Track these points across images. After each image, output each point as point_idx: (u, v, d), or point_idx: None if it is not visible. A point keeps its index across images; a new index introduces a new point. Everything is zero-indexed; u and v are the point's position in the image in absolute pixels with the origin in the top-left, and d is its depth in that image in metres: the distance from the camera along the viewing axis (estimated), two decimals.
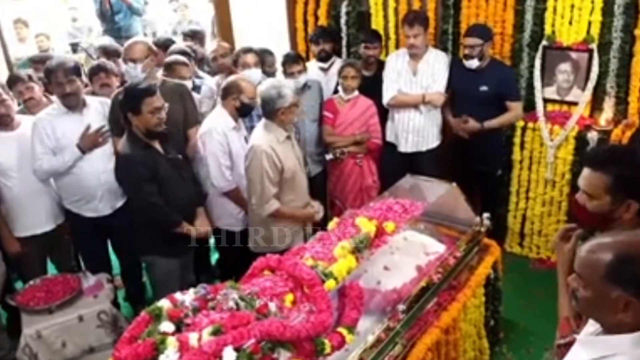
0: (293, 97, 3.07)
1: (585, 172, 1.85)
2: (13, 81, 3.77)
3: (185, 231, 3.12)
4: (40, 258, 3.61)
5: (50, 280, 3.39)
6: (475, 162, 3.92)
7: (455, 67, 3.92)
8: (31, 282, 3.36)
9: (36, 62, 4.48)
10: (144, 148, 3.01)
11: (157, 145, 3.08)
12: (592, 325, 1.50)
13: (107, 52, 4.53)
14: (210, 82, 4.12)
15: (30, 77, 3.68)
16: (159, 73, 3.67)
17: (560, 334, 1.80)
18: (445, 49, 4.12)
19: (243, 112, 3.43)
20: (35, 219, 3.42)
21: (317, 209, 3.35)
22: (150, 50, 3.51)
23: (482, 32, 3.74)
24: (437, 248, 2.78)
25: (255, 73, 3.79)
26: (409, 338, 2.38)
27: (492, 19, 3.91)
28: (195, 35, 5.28)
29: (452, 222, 2.99)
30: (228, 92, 3.38)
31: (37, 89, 3.65)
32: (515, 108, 3.84)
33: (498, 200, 4.09)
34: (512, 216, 4.17)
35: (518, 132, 3.96)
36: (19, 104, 3.73)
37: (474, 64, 3.74)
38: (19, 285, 3.65)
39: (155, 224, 3.08)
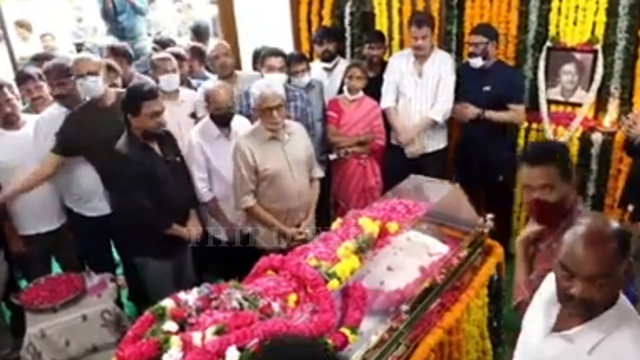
0: (273, 99, 3.00)
1: (536, 169, 1.96)
2: (23, 79, 3.79)
3: (176, 233, 3.13)
4: (45, 257, 3.63)
5: (54, 279, 3.40)
6: (479, 168, 3.88)
7: (460, 66, 3.94)
8: (35, 281, 3.37)
9: (39, 60, 4.48)
10: (141, 148, 3.02)
11: (155, 147, 3.09)
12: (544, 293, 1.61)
13: (115, 52, 4.53)
14: (207, 84, 4.08)
15: (40, 76, 3.70)
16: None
17: (515, 296, 2.10)
18: (449, 50, 4.13)
19: (219, 122, 3.32)
20: (39, 218, 3.44)
21: (298, 231, 3.23)
22: (102, 65, 3.43)
23: (487, 30, 3.74)
24: (441, 249, 2.77)
25: (278, 77, 3.65)
26: (412, 339, 2.37)
27: (496, 20, 3.91)
28: (199, 31, 5.29)
29: (455, 222, 2.98)
30: (205, 101, 3.36)
31: (46, 88, 3.66)
32: (518, 110, 3.83)
33: (502, 202, 4.08)
34: (516, 217, 4.16)
35: (522, 133, 3.96)
36: (23, 103, 3.75)
37: (477, 62, 3.73)
38: (23, 284, 3.66)
39: (145, 226, 3.08)
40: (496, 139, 3.89)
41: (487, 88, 3.77)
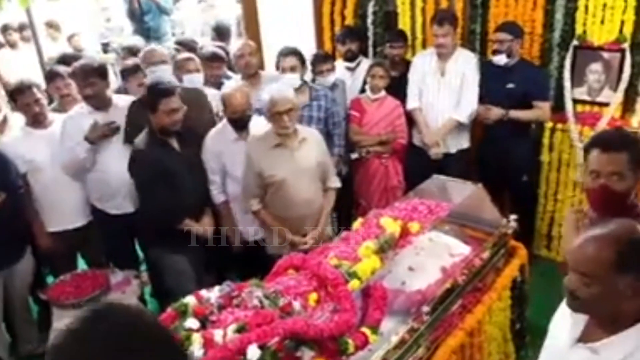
0: (283, 104, 2.93)
1: (608, 155, 1.91)
2: (52, 76, 3.89)
3: (188, 228, 3.15)
4: (71, 253, 3.70)
5: (79, 275, 3.45)
6: (502, 168, 3.83)
7: (484, 64, 3.89)
8: (61, 277, 3.44)
9: (65, 61, 4.57)
10: (159, 145, 3.07)
11: (173, 143, 3.13)
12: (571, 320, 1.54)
13: (133, 52, 4.59)
14: (230, 83, 4.10)
15: (69, 75, 3.77)
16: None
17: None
18: (473, 49, 4.08)
19: (235, 125, 3.28)
20: (66, 215, 3.50)
21: (304, 240, 3.12)
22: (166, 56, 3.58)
23: (513, 28, 3.69)
24: (463, 249, 2.75)
25: (291, 78, 3.65)
26: (433, 340, 2.36)
27: (521, 19, 3.85)
28: (221, 32, 5.32)
29: (478, 223, 2.96)
30: (222, 104, 3.31)
31: (74, 87, 3.72)
32: (543, 107, 3.77)
33: (526, 203, 4.02)
34: (540, 218, 4.11)
35: (547, 134, 3.91)
36: (50, 102, 3.83)
37: (502, 59, 3.69)
38: (49, 279, 3.74)
39: (158, 219, 3.12)
40: (519, 138, 3.84)
41: (510, 85, 3.72)
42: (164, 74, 3.50)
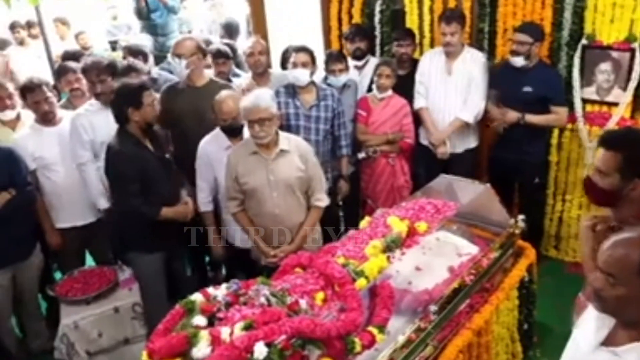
0: (256, 112, 2.81)
1: (600, 151, 2.05)
2: (63, 71, 3.93)
3: (168, 215, 3.10)
4: (79, 250, 3.72)
5: (87, 272, 3.49)
6: (515, 169, 3.80)
7: (504, 65, 3.84)
8: (69, 273, 3.47)
9: (69, 58, 4.59)
10: (135, 145, 3.04)
11: (148, 144, 3.10)
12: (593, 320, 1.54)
13: (131, 52, 4.59)
14: (240, 81, 4.10)
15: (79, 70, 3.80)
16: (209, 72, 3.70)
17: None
18: (481, 48, 4.06)
19: (228, 133, 3.22)
20: (75, 212, 3.52)
21: (272, 253, 3.00)
22: (198, 49, 3.55)
23: (534, 30, 3.63)
24: (470, 249, 2.75)
25: (301, 74, 3.59)
26: (440, 339, 2.36)
27: (529, 17, 3.82)
28: (230, 29, 5.32)
29: (485, 223, 2.95)
30: (211, 110, 3.23)
31: (84, 82, 3.73)
32: (560, 112, 3.70)
33: (535, 203, 4.00)
34: (548, 219, 4.09)
35: (555, 134, 3.88)
36: (60, 98, 3.85)
37: (519, 61, 3.63)
38: (57, 276, 3.76)
39: (136, 219, 3.09)
40: (535, 140, 3.79)
41: (527, 88, 3.66)
42: (176, 66, 3.55)
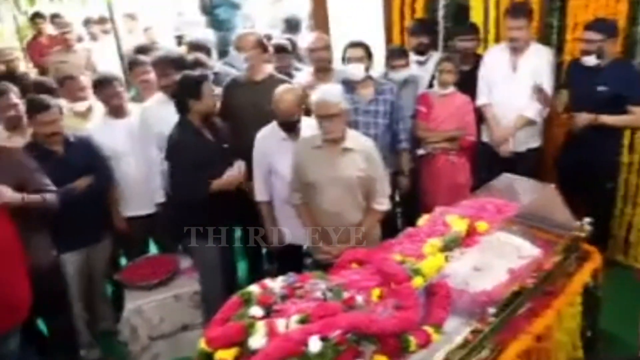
0: (327, 108, 2.81)
1: None
2: (135, 64, 4.09)
3: (220, 186, 3.15)
4: (143, 238, 3.86)
5: (151, 259, 3.64)
6: (587, 172, 3.63)
7: (573, 64, 3.69)
8: (134, 260, 3.62)
9: (141, 51, 4.76)
10: (194, 134, 3.14)
11: (207, 134, 3.20)
12: None
13: (195, 47, 4.70)
14: (301, 76, 4.12)
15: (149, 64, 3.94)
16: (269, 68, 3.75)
17: None
18: (548, 44, 3.92)
19: (283, 127, 3.22)
20: (140, 201, 3.65)
21: (327, 249, 2.99)
22: (258, 44, 3.60)
23: (604, 26, 3.44)
24: (532, 252, 2.66)
25: (355, 69, 3.62)
26: (498, 343, 2.30)
27: (603, 12, 3.63)
28: (292, 24, 5.38)
29: (549, 225, 2.85)
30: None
31: (153, 75, 3.85)
32: (637, 113, 3.46)
33: (602, 206, 3.82)
34: (617, 223, 3.90)
35: (627, 134, 3.69)
36: (129, 90, 4.01)
37: (590, 60, 3.46)
38: (123, 262, 3.92)
39: (192, 203, 3.17)
40: (610, 141, 3.61)
41: (602, 88, 3.47)
42: (237, 60, 3.67)
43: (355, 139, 3.00)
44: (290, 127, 3.22)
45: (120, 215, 3.64)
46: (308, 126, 3.20)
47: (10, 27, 7.84)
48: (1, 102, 3.43)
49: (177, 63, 3.58)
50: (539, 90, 3.63)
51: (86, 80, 3.82)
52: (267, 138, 3.30)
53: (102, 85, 3.59)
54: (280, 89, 3.22)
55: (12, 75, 4.74)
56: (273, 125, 3.29)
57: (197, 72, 3.28)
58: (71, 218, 3.13)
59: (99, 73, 3.79)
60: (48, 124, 3.15)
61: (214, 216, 3.24)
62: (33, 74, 5.80)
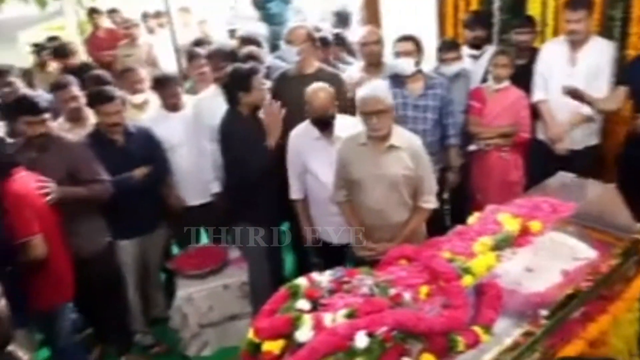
0: (374, 104, 2.75)
1: None
2: (193, 56, 4.19)
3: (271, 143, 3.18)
4: (195, 227, 3.92)
5: (202, 249, 3.72)
6: None
7: (637, 59, 3.52)
8: (186, 249, 3.71)
9: (197, 45, 4.86)
10: (242, 126, 3.19)
11: (254, 126, 3.22)
12: None
13: (246, 41, 4.75)
14: (351, 70, 4.10)
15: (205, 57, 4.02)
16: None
17: None
18: (610, 37, 3.75)
19: (317, 125, 3.18)
20: (192, 191, 3.74)
21: (371, 246, 2.94)
22: (309, 37, 3.63)
23: None
24: (588, 254, 2.57)
25: (404, 63, 3.57)
26: (550, 346, 2.24)
27: None
28: (342, 18, 5.36)
29: (607, 226, 2.73)
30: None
31: (209, 67, 3.93)
32: None
33: None
34: None
35: None
36: (185, 81, 4.11)
37: None
38: (174, 251, 4.02)
39: (242, 192, 3.24)
40: None
41: None
42: (288, 54, 3.68)
43: (401, 136, 2.92)
44: (324, 125, 3.18)
45: (176, 194, 3.71)
46: (342, 125, 3.18)
47: (72, 22, 8.17)
48: (64, 94, 3.57)
49: (230, 56, 3.64)
50: (572, 92, 3.48)
51: (144, 73, 3.94)
52: (301, 137, 3.28)
53: (162, 84, 3.71)
54: (314, 86, 3.19)
55: (77, 68, 4.92)
56: (307, 124, 3.26)
57: (247, 65, 3.33)
58: (128, 207, 3.26)
59: (159, 72, 3.92)
60: (111, 115, 3.29)
61: (262, 208, 3.29)
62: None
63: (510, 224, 2.44)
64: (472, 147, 3.83)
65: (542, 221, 2.52)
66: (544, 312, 2.19)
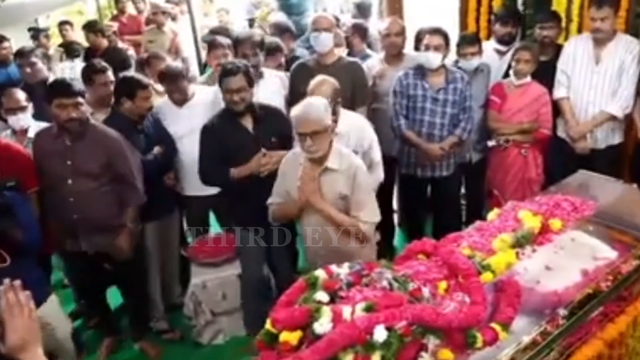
0: (307, 125, 2.57)
1: None
2: (213, 46, 4.12)
3: (236, 173, 3.07)
4: (203, 216, 3.92)
5: (216, 238, 3.72)
6: None
7: None
8: (200, 238, 3.72)
9: (215, 33, 4.84)
10: (229, 121, 3.11)
11: (247, 122, 3.12)
12: None
13: (279, 28, 4.73)
14: (371, 62, 4.08)
15: (228, 46, 3.98)
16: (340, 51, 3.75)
17: None
18: (636, 35, 3.68)
19: None
20: (198, 182, 3.71)
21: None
22: (334, 26, 3.66)
23: None
24: (608, 254, 2.54)
25: (433, 57, 3.53)
26: (567, 346, 2.22)
27: None
28: (362, 9, 5.34)
29: (628, 227, 2.70)
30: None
31: (230, 58, 3.86)
32: None
33: None
34: None
35: None
36: (203, 71, 4.07)
37: None
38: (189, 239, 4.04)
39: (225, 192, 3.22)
40: None
41: None
42: (316, 42, 3.67)
43: (340, 157, 2.70)
44: None
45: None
46: (348, 123, 3.10)
47: (92, 7, 8.19)
48: (103, 78, 3.56)
49: (261, 44, 3.63)
50: None
51: (169, 60, 3.94)
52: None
53: (167, 78, 3.62)
54: (318, 78, 3.11)
55: (111, 50, 4.95)
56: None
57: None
58: (150, 189, 3.26)
59: (166, 65, 3.84)
60: (146, 100, 3.37)
61: (251, 210, 3.13)
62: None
63: (530, 221, 2.42)
64: (491, 143, 3.80)
65: (563, 220, 2.50)
66: (563, 312, 2.17)
